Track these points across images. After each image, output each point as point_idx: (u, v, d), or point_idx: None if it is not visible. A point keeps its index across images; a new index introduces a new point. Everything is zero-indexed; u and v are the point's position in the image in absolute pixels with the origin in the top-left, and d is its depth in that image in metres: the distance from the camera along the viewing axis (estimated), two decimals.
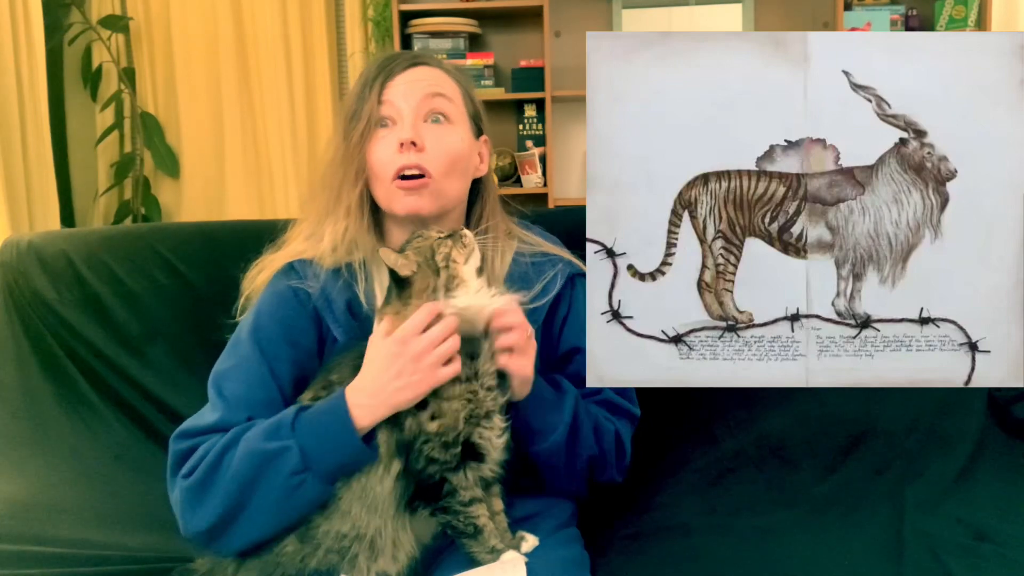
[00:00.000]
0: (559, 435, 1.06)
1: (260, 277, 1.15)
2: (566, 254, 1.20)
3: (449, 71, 1.15)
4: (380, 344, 0.97)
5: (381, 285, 1.12)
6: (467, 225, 1.17)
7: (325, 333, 1.09)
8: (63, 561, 1.14)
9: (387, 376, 0.95)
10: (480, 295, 1.00)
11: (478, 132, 1.18)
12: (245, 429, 0.98)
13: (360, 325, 1.09)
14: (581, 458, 1.09)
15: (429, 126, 1.10)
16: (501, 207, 1.22)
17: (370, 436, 0.97)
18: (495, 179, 1.23)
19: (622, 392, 1.15)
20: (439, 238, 1.01)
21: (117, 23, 3.44)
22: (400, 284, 1.00)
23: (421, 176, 1.08)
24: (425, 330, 0.96)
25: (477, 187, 1.19)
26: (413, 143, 1.07)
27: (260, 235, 1.21)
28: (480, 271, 1.04)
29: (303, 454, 0.94)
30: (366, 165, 1.09)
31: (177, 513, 1.00)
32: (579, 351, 1.11)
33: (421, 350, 0.95)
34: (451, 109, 1.11)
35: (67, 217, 3.40)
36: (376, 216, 1.15)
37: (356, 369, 1.00)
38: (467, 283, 1.00)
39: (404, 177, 1.08)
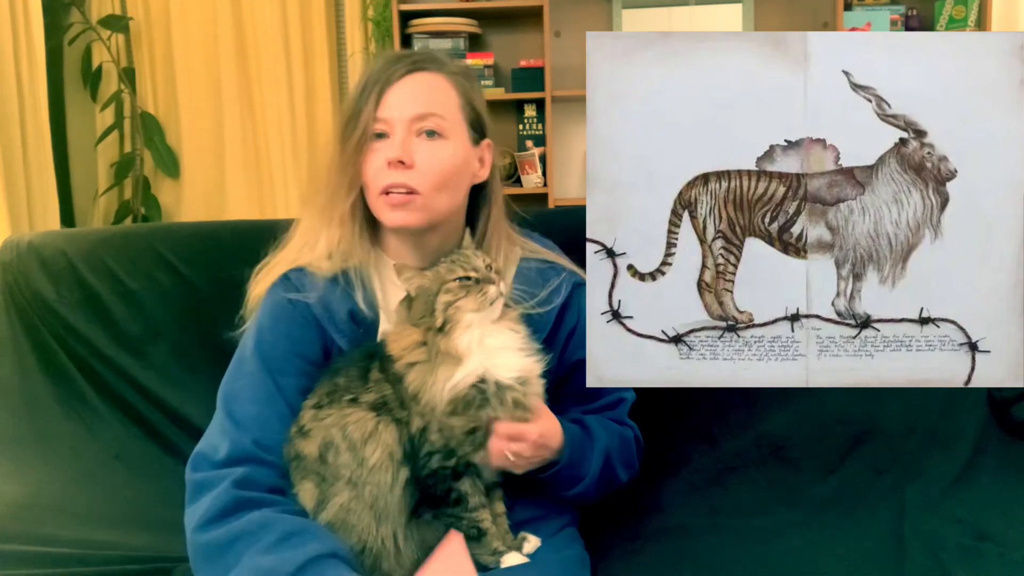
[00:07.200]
0: (583, 486, 1.10)
1: (265, 281, 1.13)
2: (566, 262, 1.19)
3: (451, 75, 1.11)
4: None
5: (382, 290, 1.11)
6: (471, 230, 1.14)
7: (330, 343, 1.08)
8: (63, 561, 1.14)
9: None
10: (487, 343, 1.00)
11: (479, 137, 1.14)
12: (264, 522, 0.94)
13: (364, 332, 1.08)
14: (601, 493, 1.14)
15: (422, 141, 1.07)
16: (506, 212, 1.19)
17: None
18: (501, 183, 1.20)
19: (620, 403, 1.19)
20: (457, 280, 1.00)
21: (117, 23, 3.43)
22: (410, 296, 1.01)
23: (409, 192, 1.06)
24: None
25: (482, 189, 1.16)
26: (401, 162, 1.05)
27: (260, 235, 1.21)
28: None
29: None
30: (360, 176, 1.08)
31: (189, 555, 0.99)
32: (584, 363, 1.10)
33: None
34: (445, 125, 1.08)
35: (67, 217, 3.40)
36: (374, 219, 1.14)
37: (364, 371, 1.00)
38: (467, 327, 0.99)
39: (392, 192, 1.07)
